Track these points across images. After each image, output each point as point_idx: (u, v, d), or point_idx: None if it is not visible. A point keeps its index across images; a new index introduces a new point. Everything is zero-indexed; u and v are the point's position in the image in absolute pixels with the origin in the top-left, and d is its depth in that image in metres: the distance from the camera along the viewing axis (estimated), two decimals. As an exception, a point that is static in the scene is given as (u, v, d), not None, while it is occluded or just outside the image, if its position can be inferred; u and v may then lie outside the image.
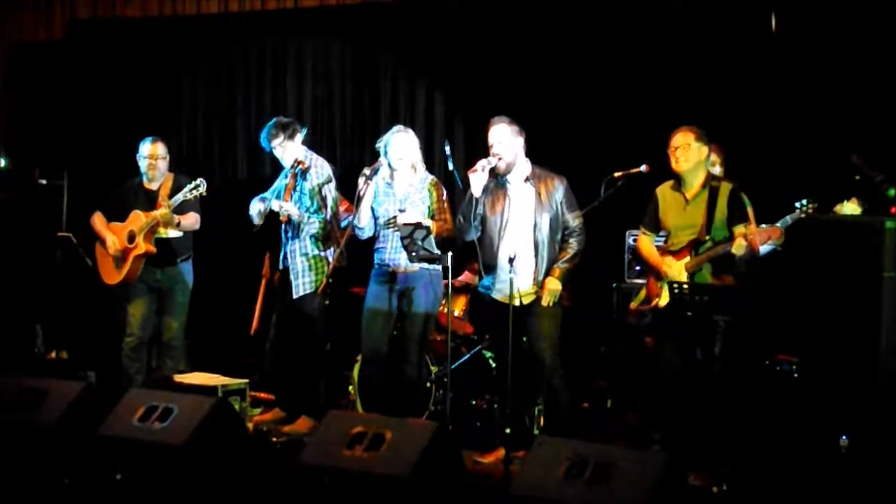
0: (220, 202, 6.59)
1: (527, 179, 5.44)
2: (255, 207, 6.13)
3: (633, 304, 5.50)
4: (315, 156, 6.23)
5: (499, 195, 5.47)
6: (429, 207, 5.73)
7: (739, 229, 5.12)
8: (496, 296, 5.46)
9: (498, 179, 5.47)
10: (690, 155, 5.22)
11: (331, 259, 6.03)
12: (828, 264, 5.12)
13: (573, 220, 5.43)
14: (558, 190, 5.42)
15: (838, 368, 5.02)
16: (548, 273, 5.37)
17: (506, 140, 5.40)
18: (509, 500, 3.95)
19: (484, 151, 5.47)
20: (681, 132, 5.26)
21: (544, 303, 5.36)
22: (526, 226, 5.40)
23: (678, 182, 5.31)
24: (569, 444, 3.93)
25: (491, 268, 5.46)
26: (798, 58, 6.18)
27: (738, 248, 5.07)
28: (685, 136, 5.24)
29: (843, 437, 4.68)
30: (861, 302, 4.95)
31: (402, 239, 5.48)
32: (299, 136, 6.17)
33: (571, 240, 5.43)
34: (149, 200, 6.40)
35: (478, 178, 5.36)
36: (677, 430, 5.17)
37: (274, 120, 6.25)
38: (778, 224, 5.34)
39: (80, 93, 8.38)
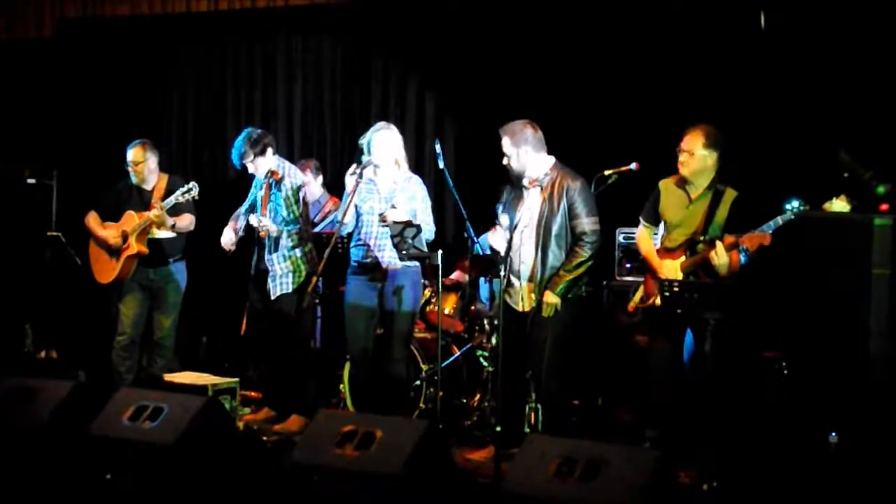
0: (209, 202, 6.57)
1: (536, 181, 5.39)
2: (227, 236, 6.15)
3: (632, 304, 5.48)
4: (287, 164, 6.22)
5: (518, 198, 5.45)
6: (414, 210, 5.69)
7: (728, 239, 5.05)
8: (505, 297, 5.41)
9: (519, 184, 5.45)
10: (692, 162, 5.18)
11: (303, 259, 6.08)
12: (817, 262, 5.12)
13: (584, 225, 5.27)
14: (570, 191, 5.28)
15: (827, 366, 5.02)
16: (551, 279, 5.29)
17: (509, 151, 5.38)
18: (500, 498, 3.95)
19: (474, 149, 5.48)
20: (690, 135, 5.20)
21: (543, 314, 5.31)
22: (534, 228, 5.34)
23: (683, 179, 5.27)
24: (560, 441, 3.94)
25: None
26: (787, 56, 6.18)
27: (714, 258, 5.01)
28: (693, 141, 5.18)
29: (833, 434, 4.69)
30: (850, 299, 4.96)
31: (392, 237, 5.46)
32: (270, 150, 6.11)
33: (580, 246, 5.28)
34: (142, 201, 6.42)
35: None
36: (668, 428, 5.17)
37: (244, 134, 6.14)
38: (767, 226, 5.23)
39: (69, 92, 8.37)
